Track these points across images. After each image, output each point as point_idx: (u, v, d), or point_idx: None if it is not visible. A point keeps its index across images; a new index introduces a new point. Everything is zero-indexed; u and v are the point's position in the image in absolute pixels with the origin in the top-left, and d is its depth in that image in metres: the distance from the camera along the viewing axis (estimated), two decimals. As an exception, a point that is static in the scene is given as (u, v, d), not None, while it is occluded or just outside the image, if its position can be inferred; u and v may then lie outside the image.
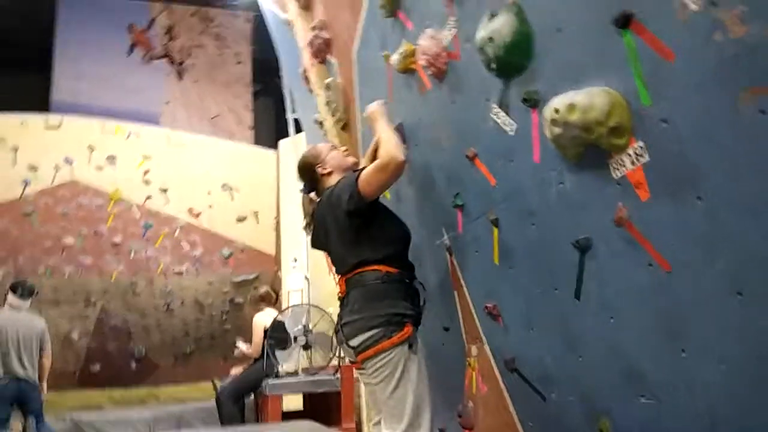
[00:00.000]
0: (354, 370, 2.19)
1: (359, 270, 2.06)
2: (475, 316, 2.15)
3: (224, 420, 4.89)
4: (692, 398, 1.22)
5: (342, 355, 4.81)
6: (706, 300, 1.16)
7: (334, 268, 2.27)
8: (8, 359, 4.75)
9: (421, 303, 2.13)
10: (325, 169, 2.30)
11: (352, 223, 2.06)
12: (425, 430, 1.94)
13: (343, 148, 2.45)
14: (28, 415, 4.77)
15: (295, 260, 6.94)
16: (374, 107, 2.25)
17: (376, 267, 2.03)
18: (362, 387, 4.92)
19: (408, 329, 1.95)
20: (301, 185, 2.45)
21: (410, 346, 1.96)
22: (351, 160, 2.36)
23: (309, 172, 2.34)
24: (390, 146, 2.02)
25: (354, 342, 1.99)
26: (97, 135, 6.95)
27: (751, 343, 1.07)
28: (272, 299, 5.58)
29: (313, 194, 2.37)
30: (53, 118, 6.89)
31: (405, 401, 1.94)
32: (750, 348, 1.08)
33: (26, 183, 6.56)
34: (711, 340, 1.16)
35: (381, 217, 2.14)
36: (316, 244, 2.36)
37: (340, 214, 2.07)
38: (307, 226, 2.37)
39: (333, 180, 2.25)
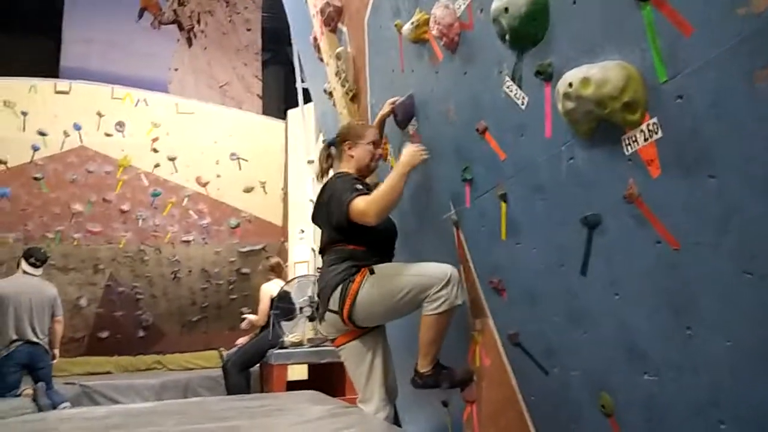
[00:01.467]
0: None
1: (332, 246, 2.29)
2: (480, 290, 2.16)
3: (230, 389, 4.98)
4: (696, 375, 1.23)
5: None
6: (713, 279, 1.15)
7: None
8: (21, 324, 4.84)
9: None
10: (352, 151, 2.42)
11: (338, 221, 2.24)
12: (441, 269, 2.16)
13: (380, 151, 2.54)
14: (38, 380, 4.87)
15: (302, 231, 6.97)
16: (417, 158, 2.24)
17: (344, 245, 2.27)
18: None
19: (364, 269, 2.20)
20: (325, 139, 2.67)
21: (371, 272, 2.19)
22: (374, 165, 2.48)
23: (343, 139, 2.46)
24: (376, 202, 2.14)
25: (333, 305, 2.20)
26: (107, 101, 6.92)
27: (759, 323, 1.07)
28: (282, 270, 5.64)
29: (332, 149, 2.54)
30: (62, 83, 6.86)
31: (407, 285, 2.14)
32: (757, 327, 1.07)
33: (35, 148, 6.57)
34: (717, 319, 1.16)
35: None
36: (314, 219, 2.49)
37: (332, 209, 2.25)
38: (317, 177, 2.62)
39: (345, 167, 2.42)
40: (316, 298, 2.36)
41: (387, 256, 2.40)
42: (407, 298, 2.13)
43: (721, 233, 1.12)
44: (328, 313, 2.23)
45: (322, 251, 2.38)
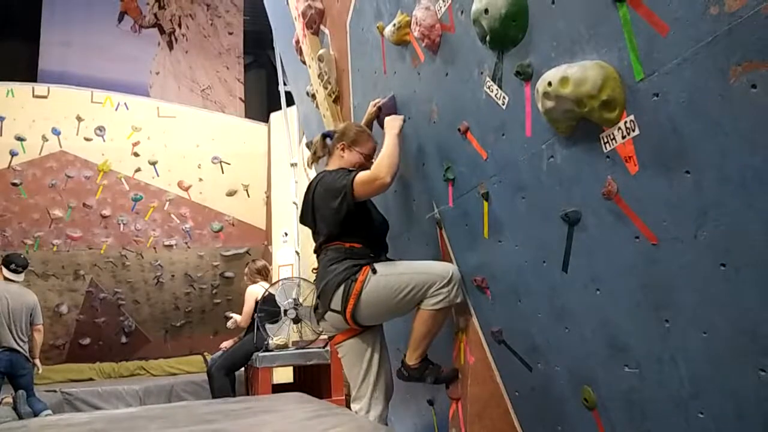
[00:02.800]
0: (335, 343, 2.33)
1: (328, 244, 2.27)
2: (464, 288, 2.18)
3: (215, 392, 4.94)
4: (675, 367, 1.25)
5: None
6: (690, 272, 1.18)
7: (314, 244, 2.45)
8: (1, 331, 4.77)
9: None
10: (344, 152, 2.40)
11: (338, 212, 2.21)
12: (441, 267, 2.18)
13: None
14: (18, 388, 4.80)
15: (286, 234, 6.94)
16: (398, 121, 2.32)
17: (341, 243, 2.25)
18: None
19: (365, 268, 2.18)
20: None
21: (374, 271, 2.17)
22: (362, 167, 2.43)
23: (340, 138, 2.43)
24: (383, 163, 2.15)
25: (335, 305, 2.18)
26: (86, 105, 6.84)
27: (734, 314, 1.10)
28: (268, 273, 5.63)
29: (328, 140, 2.49)
30: (40, 87, 6.77)
31: (410, 283, 2.14)
32: (732, 318, 1.10)
33: (13, 154, 6.47)
34: (694, 311, 1.18)
35: (363, 210, 2.29)
36: (303, 220, 2.47)
37: (329, 202, 2.22)
38: (308, 164, 2.60)
39: (332, 165, 2.40)
40: (317, 299, 2.31)
41: (383, 250, 2.40)
42: (410, 296, 2.13)
43: (698, 228, 1.14)
44: (330, 312, 2.21)
45: (318, 251, 2.36)
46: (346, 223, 2.23)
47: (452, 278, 2.13)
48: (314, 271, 2.41)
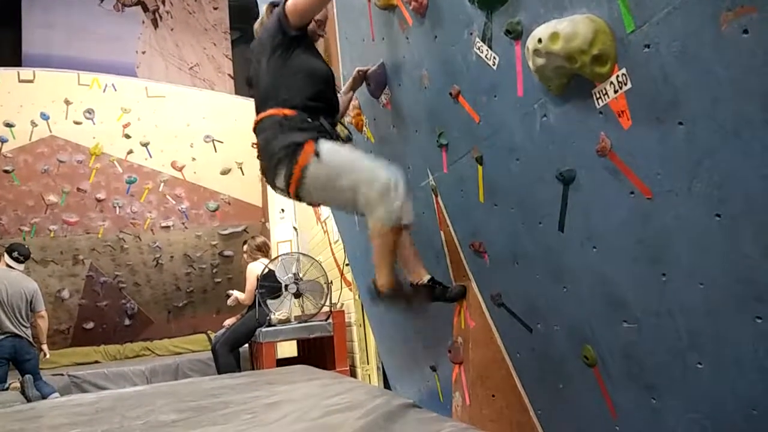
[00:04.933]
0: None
1: (262, 116, 2.05)
2: (461, 254, 2.18)
3: (221, 369, 4.99)
4: (672, 320, 1.26)
5: (332, 302, 4.89)
6: (685, 224, 1.17)
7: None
8: (1, 317, 4.81)
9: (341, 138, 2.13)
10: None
11: (275, 54, 2.04)
12: (383, 174, 1.93)
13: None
14: (24, 373, 4.85)
15: (283, 211, 6.94)
16: None
17: (274, 112, 2.01)
18: (354, 331, 5.03)
19: (306, 149, 1.91)
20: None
21: (317, 155, 1.92)
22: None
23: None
24: None
25: (279, 183, 1.99)
26: (73, 88, 6.75)
27: (730, 264, 1.10)
28: (268, 249, 5.63)
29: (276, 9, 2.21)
30: (25, 71, 6.68)
31: (353, 184, 1.92)
32: (729, 268, 1.10)
33: (3, 140, 6.41)
34: (691, 263, 1.18)
35: (304, 54, 2.10)
36: (249, 80, 2.25)
37: (267, 42, 2.06)
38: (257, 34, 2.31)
39: None
40: (264, 171, 2.08)
41: (331, 112, 2.16)
42: (347, 195, 1.94)
43: (692, 179, 1.14)
44: (275, 184, 2.04)
45: (256, 123, 2.10)
46: (285, 73, 2.02)
47: (390, 189, 1.89)
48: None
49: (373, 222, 1.93)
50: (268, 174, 2.03)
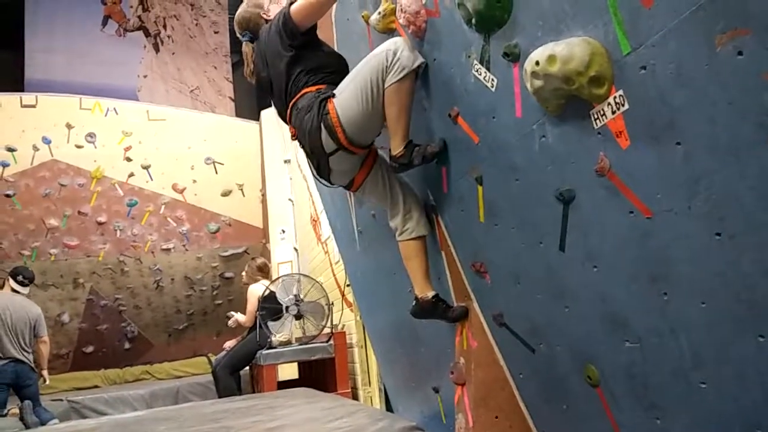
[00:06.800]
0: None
1: (297, 97, 2.20)
2: (463, 274, 2.18)
3: (221, 392, 4.95)
4: (674, 340, 1.26)
5: (333, 323, 4.87)
6: (685, 243, 1.18)
7: (276, 112, 2.41)
8: (2, 342, 4.79)
9: None
10: (269, 15, 2.40)
11: (290, 54, 2.20)
12: (398, 47, 2.03)
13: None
14: (24, 398, 4.81)
15: (283, 232, 6.95)
16: None
17: (308, 90, 2.18)
18: (356, 352, 4.99)
19: (329, 100, 2.09)
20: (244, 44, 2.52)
21: (334, 96, 2.10)
22: None
23: (253, 22, 2.45)
24: None
25: (328, 146, 2.12)
26: (75, 112, 6.82)
27: (731, 282, 1.10)
28: (269, 270, 5.62)
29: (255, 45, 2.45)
30: (28, 96, 6.74)
31: (366, 76, 2.04)
32: (729, 287, 1.10)
33: (4, 165, 6.44)
34: (691, 282, 1.19)
35: (317, 47, 2.28)
36: (259, 82, 2.43)
37: (280, 47, 2.22)
38: (251, 73, 2.49)
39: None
40: (310, 158, 2.24)
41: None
42: (375, 90, 2.04)
43: (691, 198, 1.15)
44: (331, 157, 2.16)
45: (287, 114, 2.27)
46: (302, 67, 2.19)
47: (398, 46, 2.02)
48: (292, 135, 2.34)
49: (392, 82, 2.01)
50: (316, 150, 2.14)
